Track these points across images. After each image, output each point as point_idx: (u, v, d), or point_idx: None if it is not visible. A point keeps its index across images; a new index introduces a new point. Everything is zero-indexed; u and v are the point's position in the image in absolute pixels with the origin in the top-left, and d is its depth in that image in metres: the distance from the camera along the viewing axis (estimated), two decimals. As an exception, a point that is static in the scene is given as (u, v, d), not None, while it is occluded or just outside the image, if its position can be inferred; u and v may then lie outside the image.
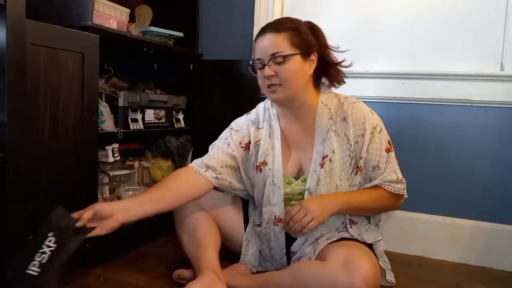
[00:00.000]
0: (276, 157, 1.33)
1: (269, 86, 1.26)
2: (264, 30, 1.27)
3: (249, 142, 1.38)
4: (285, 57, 1.21)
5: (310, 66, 1.27)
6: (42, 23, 1.22)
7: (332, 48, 1.33)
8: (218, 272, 1.25)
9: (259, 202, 1.38)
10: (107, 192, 1.64)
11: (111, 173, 1.65)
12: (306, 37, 1.25)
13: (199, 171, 1.33)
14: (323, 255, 1.20)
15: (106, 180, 1.64)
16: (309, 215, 1.19)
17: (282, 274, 1.23)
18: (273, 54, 1.22)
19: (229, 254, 1.47)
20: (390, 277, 1.34)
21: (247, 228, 1.45)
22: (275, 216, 1.33)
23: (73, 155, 1.34)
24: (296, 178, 1.34)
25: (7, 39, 1.03)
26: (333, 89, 1.38)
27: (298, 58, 1.23)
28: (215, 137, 1.43)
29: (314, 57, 1.27)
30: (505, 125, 1.64)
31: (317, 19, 1.35)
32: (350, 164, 1.29)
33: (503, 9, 1.65)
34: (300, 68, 1.24)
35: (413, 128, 1.76)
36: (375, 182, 1.28)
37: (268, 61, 1.23)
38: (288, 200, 1.33)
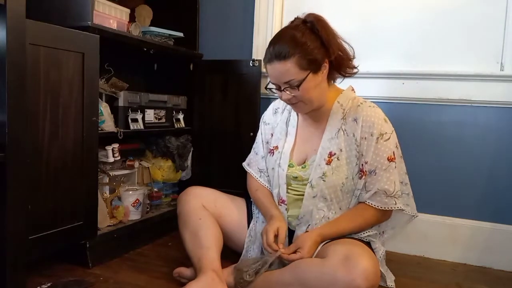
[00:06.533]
0: (287, 142, 1.41)
1: (291, 104, 1.32)
2: (270, 59, 1.25)
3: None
4: (298, 82, 1.23)
5: (322, 74, 1.28)
6: (42, 23, 1.22)
7: (341, 45, 1.31)
8: (219, 272, 1.26)
9: (270, 184, 1.45)
10: (107, 192, 1.64)
11: (111, 173, 1.65)
12: (313, 55, 1.23)
13: (255, 177, 1.49)
14: (322, 254, 1.21)
15: (106, 180, 1.64)
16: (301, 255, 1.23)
17: (283, 272, 1.24)
18: (286, 82, 1.25)
19: (230, 254, 1.47)
20: (391, 282, 1.35)
21: (251, 225, 1.47)
22: (279, 197, 1.39)
23: (73, 155, 1.35)
24: (299, 165, 1.38)
25: (7, 39, 1.03)
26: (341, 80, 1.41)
27: (310, 76, 1.24)
28: (215, 137, 1.44)
29: (325, 64, 1.27)
30: (505, 125, 1.64)
31: (317, 19, 1.35)
32: (357, 164, 1.30)
33: (503, 9, 1.65)
34: (315, 84, 1.26)
35: (413, 128, 1.76)
36: (371, 192, 1.28)
37: (283, 88, 1.27)
38: (287, 182, 1.39)
